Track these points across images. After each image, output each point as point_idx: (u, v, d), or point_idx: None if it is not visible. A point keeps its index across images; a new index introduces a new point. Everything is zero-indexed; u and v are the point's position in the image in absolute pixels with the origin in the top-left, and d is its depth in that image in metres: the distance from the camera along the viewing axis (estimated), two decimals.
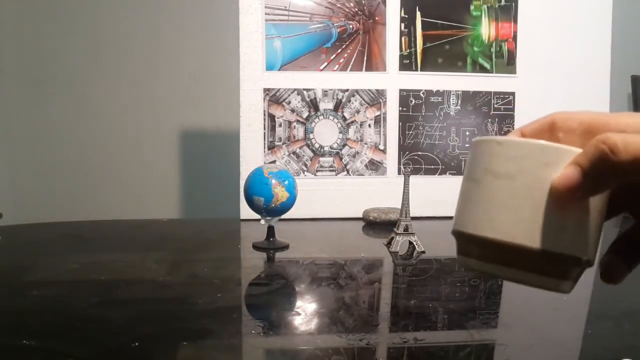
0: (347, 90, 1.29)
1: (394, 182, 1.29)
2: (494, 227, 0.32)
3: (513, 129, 1.33)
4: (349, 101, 1.30)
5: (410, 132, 1.32)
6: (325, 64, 1.29)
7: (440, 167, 1.32)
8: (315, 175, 1.29)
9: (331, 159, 1.30)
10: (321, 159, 1.30)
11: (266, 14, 1.26)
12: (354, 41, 1.30)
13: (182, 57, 1.75)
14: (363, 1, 1.30)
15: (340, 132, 1.30)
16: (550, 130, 0.34)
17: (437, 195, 1.30)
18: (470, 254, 0.34)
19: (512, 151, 0.32)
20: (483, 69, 1.34)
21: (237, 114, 1.27)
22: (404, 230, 0.98)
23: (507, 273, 0.32)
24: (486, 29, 1.33)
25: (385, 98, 1.31)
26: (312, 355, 0.59)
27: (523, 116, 1.34)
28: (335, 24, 1.29)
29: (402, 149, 1.31)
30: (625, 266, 0.33)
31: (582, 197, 0.30)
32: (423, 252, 0.97)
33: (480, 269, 0.34)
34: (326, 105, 1.29)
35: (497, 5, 1.33)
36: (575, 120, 0.33)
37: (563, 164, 0.30)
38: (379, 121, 1.31)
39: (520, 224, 0.31)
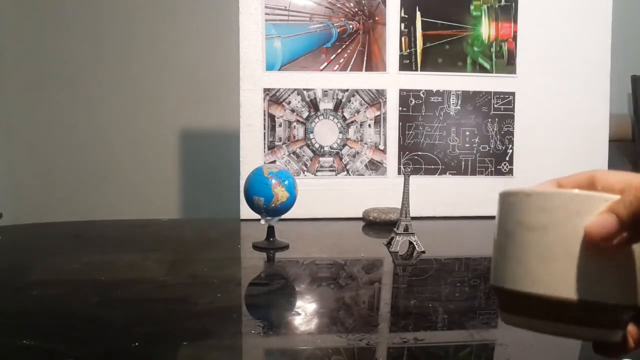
0: (347, 90, 1.29)
1: (394, 182, 1.29)
2: (533, 281, 0.31)
3: (513, 129, 1.33)
4: (349, 101, 1.30)
5: (410, 132, 1.32)
6: (325, 64, 1.29)
7: (440, 167, 1.32)
8: (315, 175, 1.29)
9: (331, 159, 1.30)
10: (321, 159, 1.30)
11: (266, 14, 1.26)
12: (354, 41, 1.30)
13: (182, 57, 1.75)
14: (363, 1, 1.30)
15: (340, 132, 1.30)
16: (589, 185, 0.34)
17: (437, 195, 1.30)
18: (513, 311, 0.33)
19: (543, 202, 0.31)
20: (483, 69, 1.34)
21: (237, 114, 1.27)
22: (404, 230, 0.98)
23: (556, 328, 0.31)
24: (486, 29, 1.33)
25: (385, 98, 1.31)
26: (312, 355, 0.59)
27: (523, 116, 1.34)
28: (335, 24, 1.29)
29: (402, 149, 1.31)
30: None
31: (618, 245, 0.30)
32: (423, 252, 0.97)
33: (526, 327, 0.32)
34: (326, 105, 1.29)
35: (497, 5, 1.33)
36: (615, 177, 0.33)
37: (596, 211, 0.30)
38: (379, 121, 1.31)
39: (560, 276, 0.30)
